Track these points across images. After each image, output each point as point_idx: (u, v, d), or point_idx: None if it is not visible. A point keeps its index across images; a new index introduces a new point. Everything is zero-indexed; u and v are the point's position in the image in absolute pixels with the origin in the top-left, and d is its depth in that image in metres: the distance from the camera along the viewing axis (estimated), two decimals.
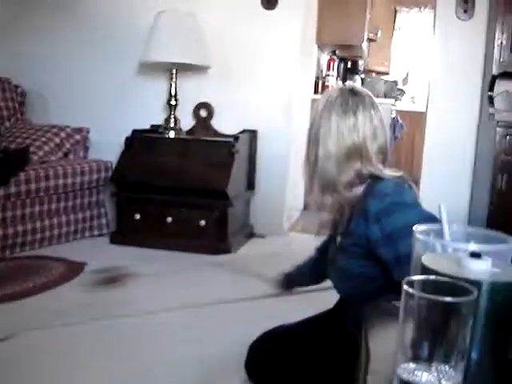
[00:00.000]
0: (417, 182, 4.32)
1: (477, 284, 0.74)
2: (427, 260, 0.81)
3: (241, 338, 2.01)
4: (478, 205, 4.22)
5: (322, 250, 1.92)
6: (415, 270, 0.86)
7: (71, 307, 2.86)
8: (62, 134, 4.29)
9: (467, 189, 4.29)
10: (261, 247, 4.20)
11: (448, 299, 0.66)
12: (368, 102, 1.61)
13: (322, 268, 1.86)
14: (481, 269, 0.79)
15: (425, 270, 0.79)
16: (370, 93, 1.67)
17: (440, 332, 0.69)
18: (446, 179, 4.31)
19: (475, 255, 0.82)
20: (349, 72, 7.55)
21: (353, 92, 1.62)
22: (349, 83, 7.18)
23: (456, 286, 0.71)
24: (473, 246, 0.87)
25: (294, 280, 2.07)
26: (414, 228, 0.92)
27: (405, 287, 0.68)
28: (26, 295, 2.99)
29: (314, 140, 1.63)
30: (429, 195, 4.21)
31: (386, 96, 7.81)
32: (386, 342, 0.97)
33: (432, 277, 0.74)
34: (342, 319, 1.72)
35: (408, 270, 1.41)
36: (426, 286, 0.72)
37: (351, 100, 1.60)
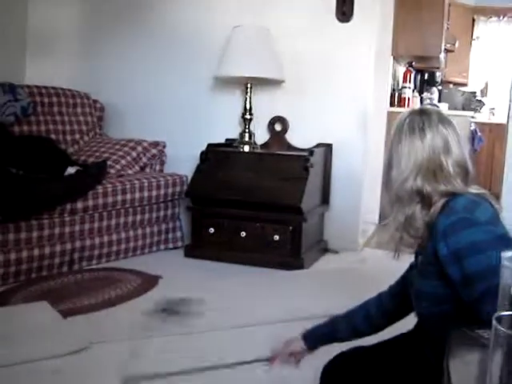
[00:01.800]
0: (497, 197, 4.16)
1: None
2: None
3: (316, 357, 1.96)
4: None
5: (398, 285, 1.85)
6: (503, 300, 0.80)
7: (145, 321, 2.88)
8: (139, 148, 4.36)
9: None
10: (334, 263, 4.13)
11: None
12: (435, 119, 1.57)
13: (394, 306, 1.80)
14: None
15: None
16: (440, 110, 1.63)
17: None
18: None
19: None
20: (426, 84, 7.40)
21: (420, 111, 1.60)
22: (425, 95, 7.06)
23: None
24: None
25: (316, 337, 1.89)
26: (502, 255, 0.86)
27: (494, 323, 0.63)
28: (100, 307, 3.03)
29: (388, 165, 1.61)
30: (510, 211, 4.06)
31: (464, 108, 7.63)
32: (470, 375, 0.92)
33: None
34: (420, 344, 1.66)
35: (477, 291, 1.35)
36: None
37: (418, 118, 1.57)
